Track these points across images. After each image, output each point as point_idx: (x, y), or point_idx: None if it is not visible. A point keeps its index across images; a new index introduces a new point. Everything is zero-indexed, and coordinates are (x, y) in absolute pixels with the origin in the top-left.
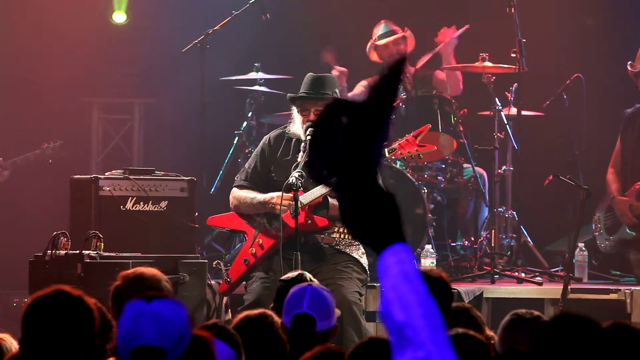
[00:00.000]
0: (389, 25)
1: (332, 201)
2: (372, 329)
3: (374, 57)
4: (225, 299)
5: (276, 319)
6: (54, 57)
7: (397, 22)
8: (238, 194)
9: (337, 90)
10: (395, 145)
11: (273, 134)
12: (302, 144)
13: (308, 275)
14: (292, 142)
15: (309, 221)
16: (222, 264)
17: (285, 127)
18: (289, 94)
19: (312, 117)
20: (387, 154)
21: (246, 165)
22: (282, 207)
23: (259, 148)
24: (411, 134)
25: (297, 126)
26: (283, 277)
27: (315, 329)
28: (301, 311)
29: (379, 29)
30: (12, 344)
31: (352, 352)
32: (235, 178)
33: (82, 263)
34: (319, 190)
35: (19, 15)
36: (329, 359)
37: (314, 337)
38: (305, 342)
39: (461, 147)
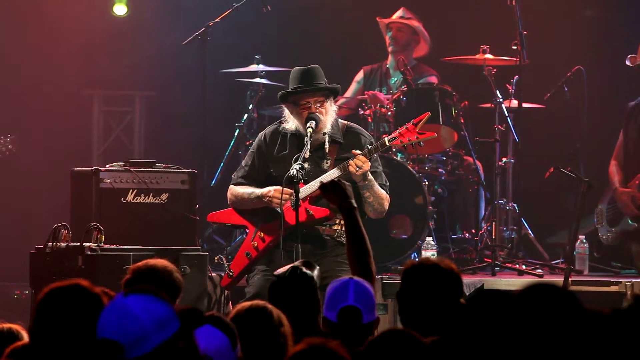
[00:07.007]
0: (406, 13)
1: None
2: None
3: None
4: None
5: (275, 311)
6: (54, 50)
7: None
8: (235, 190)
9: (325, 80)
10: (395, 134)
11: (268, 130)
12: (305, 138)
13: (301, 267)
14: (288, 137)
15: (310, 212)
16: (223, 258)
17: (280, 123)
18: (280, 92)
19: (313, 109)
20: (387, 143)
21: (243, 163)
22: (281, 199)
23: (254, 145)
24: (411, 122)
25: (293, 122)
26: (276, 272)
27: (362, 322)
28: (347, 304)
29: (397, 13)
30: (24, 336)
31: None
32: (233, 176)
33: (82, 255)
34: (317, 184)
35: (19, 7)
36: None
37: (360, 330)
38: (351, 336)
39: (462, 140)
